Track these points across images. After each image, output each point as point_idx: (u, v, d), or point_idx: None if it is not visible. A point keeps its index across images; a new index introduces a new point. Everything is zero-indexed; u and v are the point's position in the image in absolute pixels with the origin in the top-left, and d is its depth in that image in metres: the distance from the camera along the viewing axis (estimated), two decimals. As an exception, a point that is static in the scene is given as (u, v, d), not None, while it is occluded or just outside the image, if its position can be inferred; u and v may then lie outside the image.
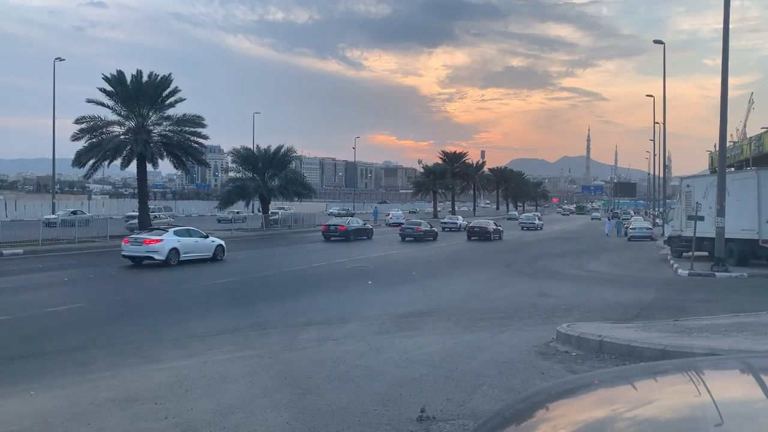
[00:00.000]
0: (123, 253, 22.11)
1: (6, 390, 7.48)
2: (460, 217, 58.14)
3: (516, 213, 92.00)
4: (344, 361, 8.42)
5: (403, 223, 44.28)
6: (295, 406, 6.39)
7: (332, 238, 37.67)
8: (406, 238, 38.34)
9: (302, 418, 6.00)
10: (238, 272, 21.04)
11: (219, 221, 51.93)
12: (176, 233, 22.92)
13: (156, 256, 21.42)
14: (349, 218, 43.13)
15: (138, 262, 21.86)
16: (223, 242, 24.95)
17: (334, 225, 39.12)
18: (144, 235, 22.65)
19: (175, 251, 21.98)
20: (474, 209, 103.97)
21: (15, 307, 13.63)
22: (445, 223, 53.43)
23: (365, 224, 41.76)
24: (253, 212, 54.18)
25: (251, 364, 8.54)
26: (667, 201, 56.33)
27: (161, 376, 7.80)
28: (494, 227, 41.77)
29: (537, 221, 61.43)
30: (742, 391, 1.70)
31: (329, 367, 8.12)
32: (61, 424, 5.97)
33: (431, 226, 41.11)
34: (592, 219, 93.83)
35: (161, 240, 21.86)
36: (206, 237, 24.59)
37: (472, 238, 40.89)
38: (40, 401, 6.95)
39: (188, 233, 23.67)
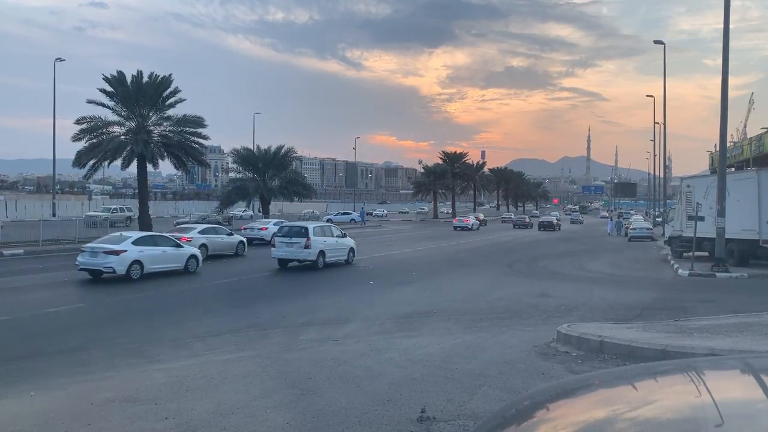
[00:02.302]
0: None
1: (6, 390, 7.48)
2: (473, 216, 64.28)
3: (511, 214, 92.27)
4: (344, 362, 8.42)
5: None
6: (296, 407, 6.39)
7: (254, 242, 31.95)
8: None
9: (302, 419, 6.00)
10: (238, 272, 21.04)
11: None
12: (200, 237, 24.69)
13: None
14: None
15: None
16: (197, 253, 21.62)
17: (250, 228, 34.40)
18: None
19: (204, 247, 23.96)
20: (474, 209, 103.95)
21: (15, 307, 13.63)
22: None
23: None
24: (253, 212, 54.17)
25: (251, 364, 8.54)
26: (668, 201, 56.32)
27: (161, 376, 7.80)
28: (556, 221, 62.77)
29: (555, 221, 64.26)
30: (743, 391, 1.69)
31: (329, 367, 8.12)
32: (61, 425, 5.97)
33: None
34: (601, 218, 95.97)
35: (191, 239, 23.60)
36: (230, 234, 26.63)
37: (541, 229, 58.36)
38: (41, 401, 6.94)
39: (216, 231, 26.35)
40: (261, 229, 34.42)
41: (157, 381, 7.52)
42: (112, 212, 43.81)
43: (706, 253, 24.34)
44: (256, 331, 11.46)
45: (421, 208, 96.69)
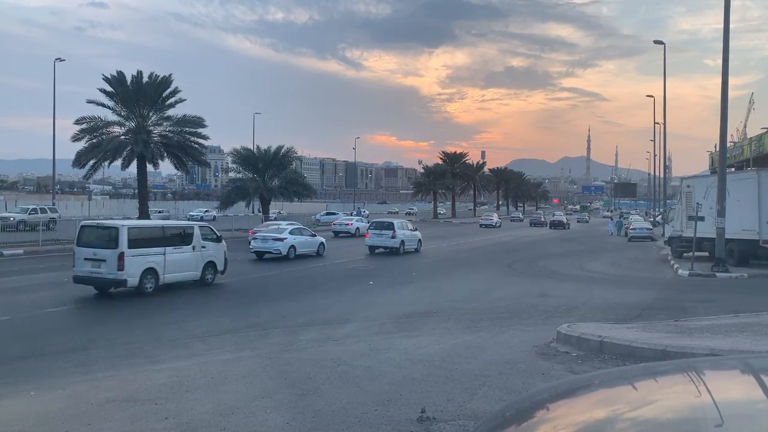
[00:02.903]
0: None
1: (6, 390, 7.48)
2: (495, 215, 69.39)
3: (519, 214, 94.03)
4: (344, 362, 8.42)
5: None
6: (296, 407, 6.39)
7: None
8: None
9: (302, 419, 6.00)
10: (238, 272, 21.04)
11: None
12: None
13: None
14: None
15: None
16: (324, 241, 28.69)
17: None
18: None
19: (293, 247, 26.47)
20: (474, 210, 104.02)
21: (15, 307, 13.63)
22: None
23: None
24: (253, 212, 54.16)
25: (251, 364, 8.54)
26: (668, 201, 56.32)
27: (161, 376, 7.80)
28: (566, 220, 67.14)
29: (565, 220, 68.03)
30: (743, 391, 1.69)
31: (329, 367, 8.12)
32: (62, 424, 5.97)
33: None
34: (603, 218, 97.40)
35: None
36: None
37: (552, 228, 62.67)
38: (41, 401, 6.94)
39: (301, 232, 28.09)
40: (347, 224, 44.37)
41: (157, 381, 7.52)
42: (29, 213, 38.78)
43: (706, 253, 24.34)
44: (255, 330, 11.45)
45: (410, 209, 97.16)
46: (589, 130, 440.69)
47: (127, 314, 13.58)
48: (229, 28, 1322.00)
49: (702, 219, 22.43)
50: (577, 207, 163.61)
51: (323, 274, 21.33)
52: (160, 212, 56.01)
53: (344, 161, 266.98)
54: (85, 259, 15.29)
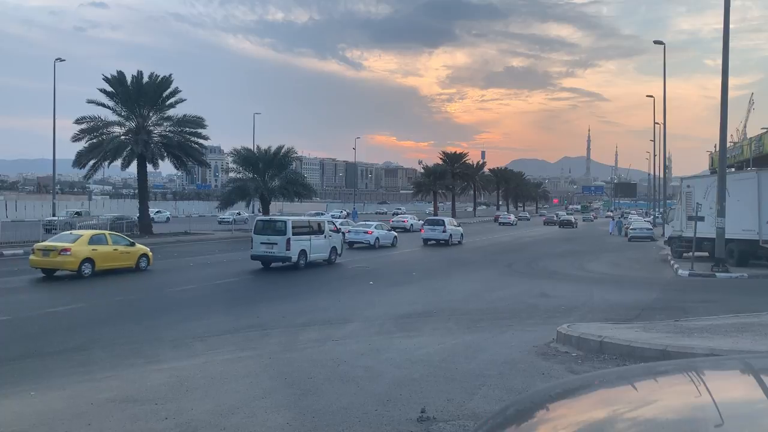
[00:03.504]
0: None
1: (6, 390, 7.47)
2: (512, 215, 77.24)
3: (527, 213, 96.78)
4: (344, 362, 8.42)
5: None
6: (296, 407, 6.39)
7: None
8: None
9: (302, 419, 6.00)
10: (238, 273, 21.04)
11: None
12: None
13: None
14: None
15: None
16: (395, 234, 36.52)
17: None
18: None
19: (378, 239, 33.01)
20: (474, 210, 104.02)
21: (15, 307, 13.63)
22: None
23: None
24: (253, 213, 54.16)
25: (251, 364, 8.54)
26: (668, 201, 56.33)
27: (161, 376, 7.80)
28: (574, 219, 72.35)
29: (573, 219, 72.88)
30: (743, 391, 1.70)
31: (329, 367, 8.12)
32: (62, 425, 5.97)
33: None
34: (605, 217, 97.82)
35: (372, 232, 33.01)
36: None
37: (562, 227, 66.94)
38: (41, 401, 6.94)
39: (382, 226, 34.92)
40: (404, 221, 52.48)
41: (157, 381, 7.52)
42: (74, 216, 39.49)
43: (706, 253, 24.35)
44: (255, 331, 11.45)
45: (398, 208, 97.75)
46: (589, 130, 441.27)
47: (127, 314, 13.55)
48: (229, 28, 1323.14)
49: (702, 219, 22.43)
50: (578, 207, 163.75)
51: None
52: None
53: (344, 161, 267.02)
54: (261, 243, 21.94)
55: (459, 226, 38.78)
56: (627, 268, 25.47)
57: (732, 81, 22.32)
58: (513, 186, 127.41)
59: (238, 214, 53.35)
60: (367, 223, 37.13)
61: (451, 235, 36.08)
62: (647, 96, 60.60)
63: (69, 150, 36.66)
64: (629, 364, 6.77)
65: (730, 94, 21.78)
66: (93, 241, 19.36)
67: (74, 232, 21.60)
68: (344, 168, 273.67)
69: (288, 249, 21.41)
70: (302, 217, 28.03)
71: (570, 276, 21.92)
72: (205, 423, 5.89)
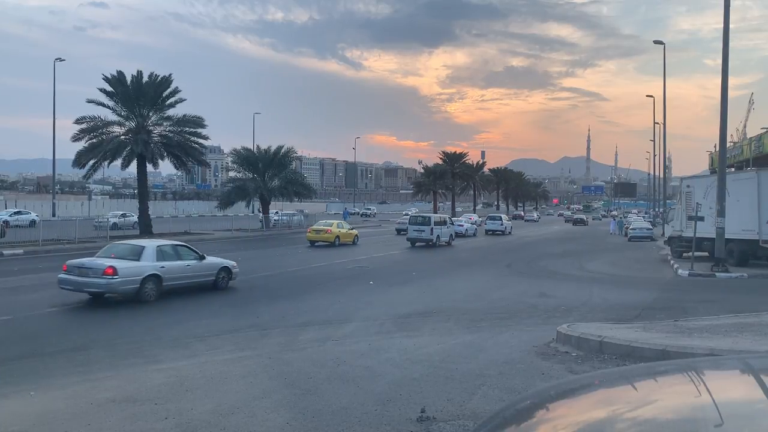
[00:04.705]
0: None
1: (6, 390, 7.47)
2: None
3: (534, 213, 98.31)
4: (344, 362, 8.42)
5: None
6: (295, 407, 6.39)
7: None
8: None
9: (302, 419, 6.00)
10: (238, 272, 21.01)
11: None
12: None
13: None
14: None
15: None
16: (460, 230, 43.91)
17: None
18: None
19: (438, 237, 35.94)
20: (474, 209, 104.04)
21: (15, 307, 13.62)
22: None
23: None
24: (253, 212, 54.18)
25: (251, 364, 8.54)
26: (668, 201, 56.35)
27: (161, 376, 7.79)
28: (586, 218, 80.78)
29: (585, 218, 79.44)
30: (743, 391, 1.70)
31: (329, 367, 8.12)
32: (61, 425, 5.97)
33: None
34: (608, 217, 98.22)
35: None
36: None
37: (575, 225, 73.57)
38: (40, 401, 6.94)
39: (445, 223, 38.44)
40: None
41: (156, 381, 7.52)
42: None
43: (706, 253, 24.34)
44: (255, 330, 11.44)
45: (368, 208, 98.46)
46: (588, 130, 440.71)
47: (127, 314, 13.54)
48: (229, 27, 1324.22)
49: (702, 219, 22.43)
50: (581, 207, 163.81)
51: (329, 273, 21.36)
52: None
53: (344, 161, 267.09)
54: (414, 230, 34.23)
55: (509, 220, 51.92)
56: (627, 268, 25.47)
57: (732, 81, 22.36)
58: (513, 186, 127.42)
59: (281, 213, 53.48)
60: (425, 216, 39.95)
61: (505, 228, 48.33)
62: (647, 96, 60.70)
63: (69, 150, 36.69)
64: (629, 364, 6.77)
65: (730, 94, 21.81)
66: (339, 225, 35.60)
67: (328, 220, 37.74)
68: (344, 168, 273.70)
69: (431, 233, 33.50)
70: (437, 214, 40.47)
71: (570, 276, 21.92)
72: (205, 423, 5.88)
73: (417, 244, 33.73)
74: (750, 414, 1.48)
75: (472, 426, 5.52)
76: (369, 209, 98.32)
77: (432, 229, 33.50)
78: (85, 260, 14.64)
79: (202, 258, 16.07)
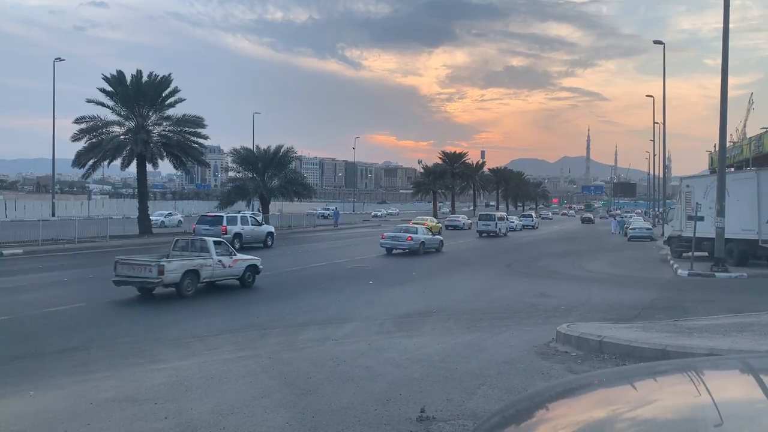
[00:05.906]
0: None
1: (6, 390, 7.47)
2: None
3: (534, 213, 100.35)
4: (344, 362, 8.42)
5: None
6: (295, 407, 6.39)
7: None
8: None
9: (302, 419, 6.00)
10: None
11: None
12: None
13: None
14: None
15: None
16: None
17: None
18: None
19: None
20: (474, 209, 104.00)
21: (15, 307, 13.62)
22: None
23: None
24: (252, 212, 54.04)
25: (251, 364, 8.54)
26: (667, 201, 56.34)
27: (161, 376, 7.79)
28: (593, 216, 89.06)
29: (592, 216, 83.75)
30: (742, 391, 1.70)
31: (329, 367, 8.12)
32: (61, 424, 5.96)
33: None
34: (609, 216, 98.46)
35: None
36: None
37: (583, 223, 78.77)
38: (40, 401, 6.94)
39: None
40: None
41: (156, 381, 7.52)
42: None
43: (706, 253, 24.34)
44: (255, 330, 11.44)
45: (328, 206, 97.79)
46: (588, 130, 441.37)
47: (126, 313, 13.55)
48: (228, 27, 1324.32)
49: (701, 219, 22.43)
50: (583, 206, 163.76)
51: (328, 272, 21.37)
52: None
53: (344, 161, 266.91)
54: (483, 224, 45.21)
55: (526, 218, 62.98)
56: (626, 267, 25.47)
57: (732, 81, 22.38)
58: (513, 186, 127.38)
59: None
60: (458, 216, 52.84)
61: (534, 224, 61.45)
62: (647, 96, 60.86)
63: (69, 150, 36.66)
64: (629, 364, 6.78)
65: (730, 93, 21.80)
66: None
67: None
68: (344, 167, 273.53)
69: (496, 227, 44.77)
70: (498, 212, 52.80)
71: (570, 275, 21.92)
72: (204, 423, 5.88)
73: (482, 234, 44.11)
74: (750, 414, 1.48)
75: (471, 426, 5.52)
76: (391, 210, 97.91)
77: (496, 223, 45.28)
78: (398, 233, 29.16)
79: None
